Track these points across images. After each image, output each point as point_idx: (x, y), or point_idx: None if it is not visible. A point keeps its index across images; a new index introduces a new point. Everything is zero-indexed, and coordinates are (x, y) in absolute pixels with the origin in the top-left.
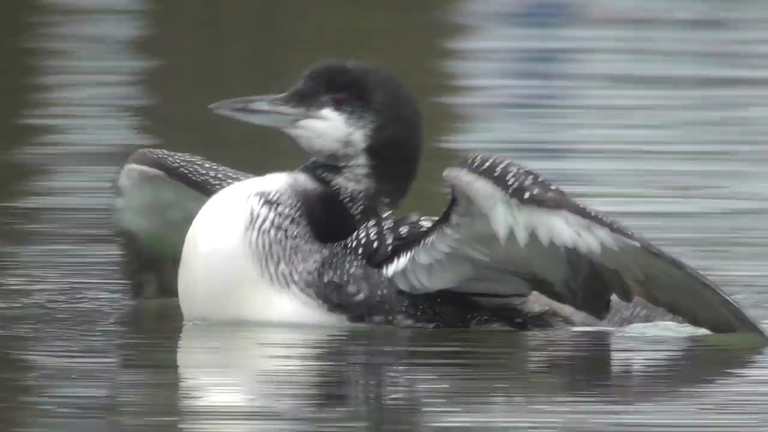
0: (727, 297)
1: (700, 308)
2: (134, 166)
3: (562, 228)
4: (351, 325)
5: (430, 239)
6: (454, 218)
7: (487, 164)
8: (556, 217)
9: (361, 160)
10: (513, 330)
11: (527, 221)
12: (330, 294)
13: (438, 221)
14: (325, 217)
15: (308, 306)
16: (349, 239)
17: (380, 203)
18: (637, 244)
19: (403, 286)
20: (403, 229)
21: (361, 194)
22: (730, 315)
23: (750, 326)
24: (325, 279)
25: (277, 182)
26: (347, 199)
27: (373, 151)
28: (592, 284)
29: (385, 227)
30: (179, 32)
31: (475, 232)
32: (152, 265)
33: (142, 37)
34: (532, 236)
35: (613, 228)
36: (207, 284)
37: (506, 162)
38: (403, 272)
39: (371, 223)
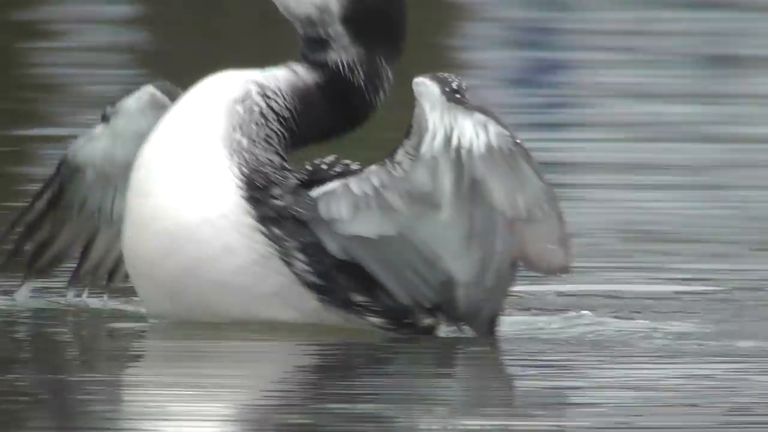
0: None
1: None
2: (149, 89)
3: (467, 125)
4: (252, 224)
5: (368, 170)
6: (399, 155)
7: (448, 77)
8: (469, 117)
9: (339, 28)
10: (393, 328)
11: (449, 121)
12: (256, 181)
13: (385, 157)
14: (330, 104)
15: (232, 181)
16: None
17: (379, 66)
18: (515, 139)
19: (323, 211)
20: (354, 166)
21: (355, 62)
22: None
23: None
24: (263, 170)
25: (277, 79)
26: (347, 72)
27: (348, 19)
28: (502, 271)
29: (343, 163)
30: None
31: (411, 179)
32: (64, 220)
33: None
34: (447, 142)
35: (503, 124)
36: (172, 137)
37: (464, 81)
38: (330, 195)
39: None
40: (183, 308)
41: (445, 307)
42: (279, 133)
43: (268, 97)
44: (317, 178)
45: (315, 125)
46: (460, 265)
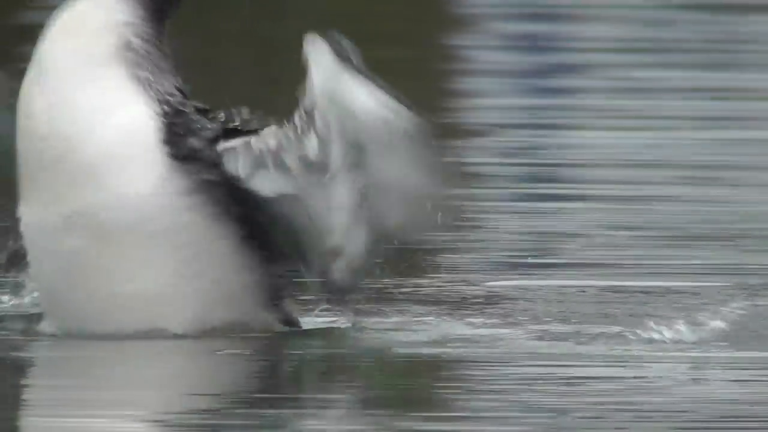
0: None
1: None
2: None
3: (358, 91)
4: (166, 157)
5: (268, 129)
6: (296, 117)
7: (340, 40)
8: (361, 86)
9: None
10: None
11: (338, 86)
12: (175, 119)
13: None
14: None
15: (149, 108)
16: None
17: None
18: (410, 118)
19: (228, 165)
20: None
21: None
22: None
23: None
24: (179, 108)
25: (130, 3)
26: None
27: None
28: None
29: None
30: None
31: (303, 143)
32: None
33: None
34: (334, 102)
35: (400, 101)
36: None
37: (355, 50)
38: (231, 152)
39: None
40: (67, 217)
41: (323, 276)
42: (162, 53)
43: (139, 30)
44: (230, 131)
45: (172, 8)
46: (348, 236)
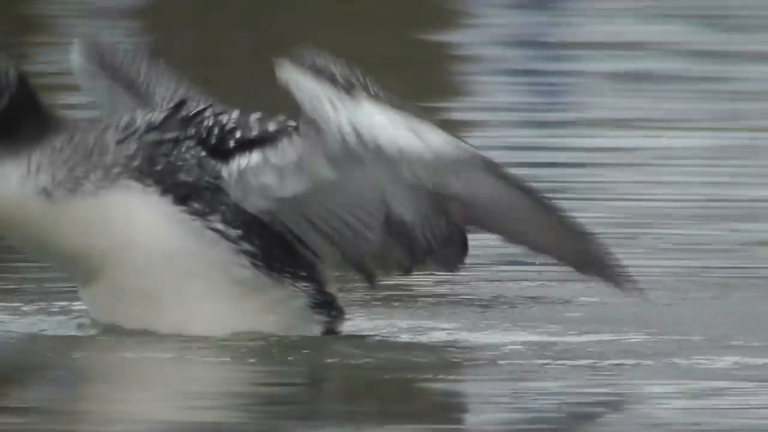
0: (585, 231)
1: (549, 239)
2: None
3: (385, 126)
4: (171, 206)
5: (282, 143)
6: (302, 125)
7: (317, 61)
8: (378, 114)
9: None
10: (315, 293)
11: (350, 118)
12: (164, 175)
13: (293, 127)
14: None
15: (146, 192)
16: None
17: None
18: (477, 153)
19: (245, 185)
20: (253, 124)
21: None
22: (589, 252)
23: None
24: (158, 166)
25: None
26: None
27: None
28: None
29: (231, 118)
30: None
31: (324, 145)
32: None
33: None
34: (359, 137)
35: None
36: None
37: (336, 62)
38: (248, 170)
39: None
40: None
41: (398, 245)
42: (78, 130)
43: (47, 160)
44: (221, 149)
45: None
46: (405, 208)
